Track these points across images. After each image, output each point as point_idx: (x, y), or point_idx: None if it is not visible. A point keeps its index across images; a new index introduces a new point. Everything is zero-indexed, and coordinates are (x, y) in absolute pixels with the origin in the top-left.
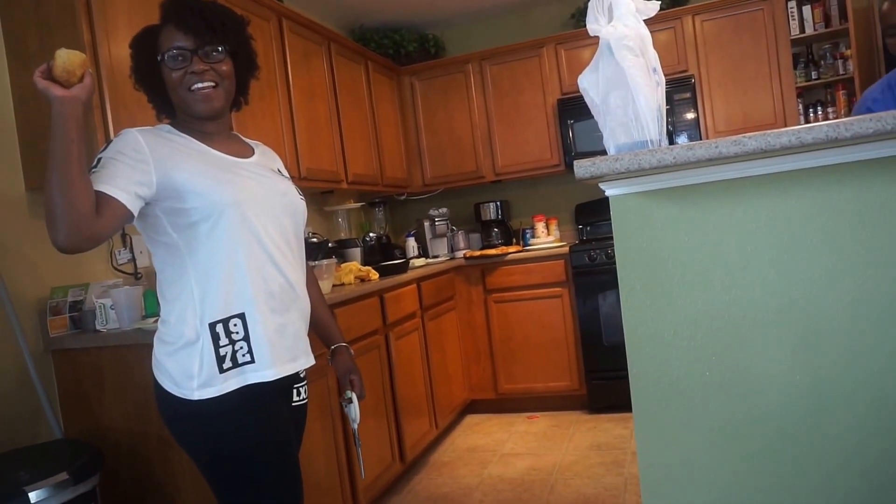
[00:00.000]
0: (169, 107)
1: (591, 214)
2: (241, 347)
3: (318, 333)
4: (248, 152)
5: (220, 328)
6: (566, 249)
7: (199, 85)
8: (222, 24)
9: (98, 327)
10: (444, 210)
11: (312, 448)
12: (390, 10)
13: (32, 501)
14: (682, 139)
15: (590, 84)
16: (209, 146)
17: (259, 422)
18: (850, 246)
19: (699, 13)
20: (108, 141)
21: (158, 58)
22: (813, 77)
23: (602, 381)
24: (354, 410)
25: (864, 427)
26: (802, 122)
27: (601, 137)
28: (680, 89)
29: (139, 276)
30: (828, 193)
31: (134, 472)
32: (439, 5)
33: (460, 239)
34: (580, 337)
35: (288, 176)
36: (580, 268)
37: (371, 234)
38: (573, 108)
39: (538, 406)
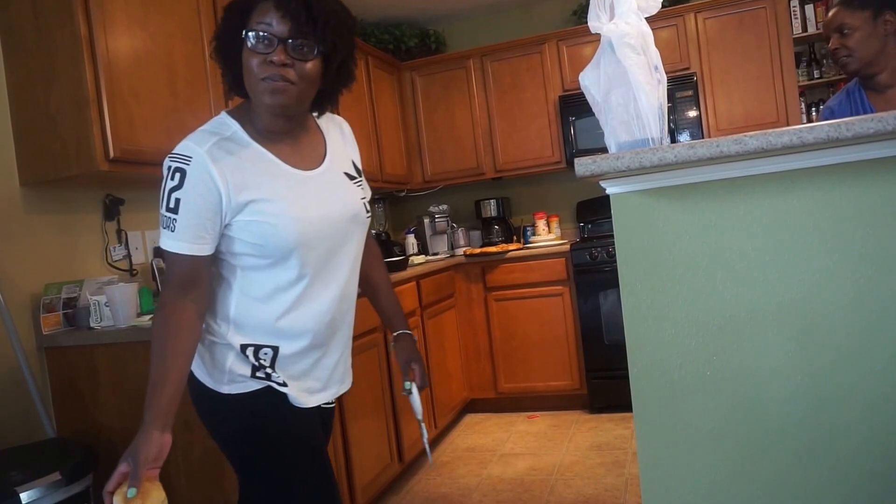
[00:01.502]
0: (242, 88)
1: (593, 212)
2: (272, 373)
3: (382, 319)
4: (318, 154)
5: (249, 351)
6: (567, 247)
7: (272, 80)
8: (326, 21)
9: (92, 325)
10: (445, 207)
11: None
12: (391, 5)
13: (24, 502)
14: (684, 137)
15: (591, 81)
16: (278, 155)
17: (284, 418)
18: (852, 245)
19: (701, 11)
20: (180, 169)
21: (244, 32)
22: (815, 76)
23: (603, 381)
24: (415, 401)
25: (866, 426)
26: (804, 121)
27: (603, 134)
28: (682, 87)
29: (135, 272)
30: (829, 193)
31: None
32: (440, 0)
33: (460, 236)
34: (581, 336)
35: (360, 168)
36: (581, 266)
37: (370, 231)
38: (575, 105)
39: (538, 405)
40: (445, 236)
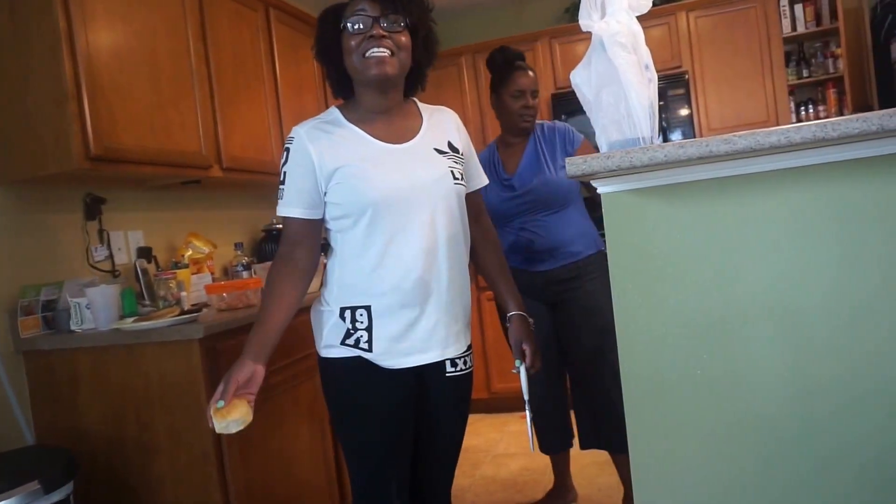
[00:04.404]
0: (346, 87)
1: None
2: (363, 336)
3: (496, 301)
4: (411, 132)
5: (348, 314)
6: None
7: (375, 51)
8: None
9: (73, 328)
10: None
11: (299, 448)
12: None
13: None
14: (676, 136)
15: (582, 80)
16: (370, 132)
17: (365, 388)
18: (838, 243)
19: (693, 10)
20: (287, 148)
21: (341, 25)
22: (804, 75)
23: None
24: (523, 380)
25: (857, 424)
26: (794, 119)
27: (594, 133)
28: (674, 85)
29: (117, 273)
30: (816, 192)
31: (110, 479)
32: None
33: None
34: None
35: (458, 147)
36: None
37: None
38: (567, 103)
39: None
40: None
